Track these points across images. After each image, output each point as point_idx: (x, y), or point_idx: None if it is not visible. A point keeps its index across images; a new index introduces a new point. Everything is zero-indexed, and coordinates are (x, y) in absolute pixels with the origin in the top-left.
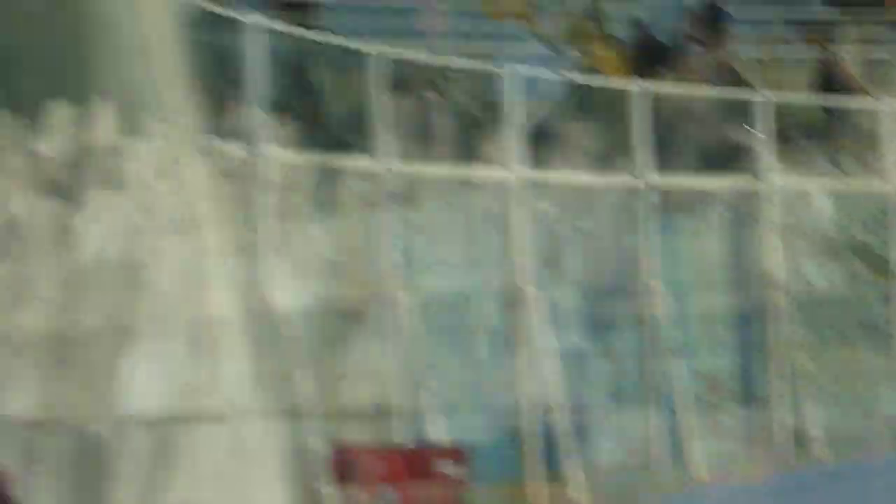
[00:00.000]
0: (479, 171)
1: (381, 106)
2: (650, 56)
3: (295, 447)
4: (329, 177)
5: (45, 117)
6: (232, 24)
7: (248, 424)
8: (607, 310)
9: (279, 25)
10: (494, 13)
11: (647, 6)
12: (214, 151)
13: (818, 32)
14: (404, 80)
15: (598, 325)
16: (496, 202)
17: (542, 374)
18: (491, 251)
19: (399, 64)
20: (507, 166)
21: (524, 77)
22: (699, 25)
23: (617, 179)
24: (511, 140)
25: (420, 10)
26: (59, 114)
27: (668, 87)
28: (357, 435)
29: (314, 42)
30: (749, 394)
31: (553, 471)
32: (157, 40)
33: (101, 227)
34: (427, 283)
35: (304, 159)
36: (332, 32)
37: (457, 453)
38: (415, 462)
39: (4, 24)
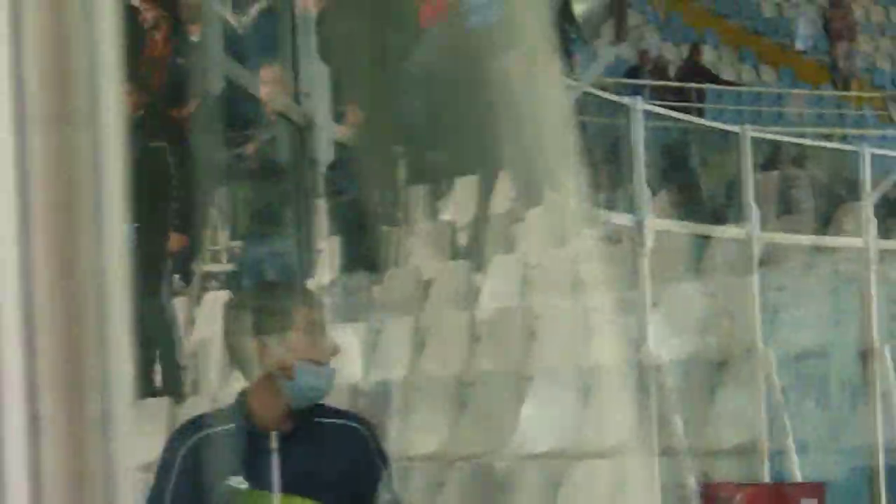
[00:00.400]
0: (835, 239)
1: (749, 180)
2: None
3: (669, 482)
4: (702, 243)
5: (453, 188)
6: (618, 107)
7: (628, 462)
8: None
9: (660, 109)
10: (852, 100)
11: None
12: (600, 220)
13: None
14: (770, 158)
15: None
16: (850, 267)
17: (892, 419)
18: (846, 310)
19: (766, 144)
20: (861, 235)
21: (876, 156)
22: None
23: None
24: (864, 212)
25: (787, 98)
26: (465, 185)
27: None
28: (724, 472)
29: (690, 124)
30: None
31: None
32: (552, 121)
33: (499, 284)
34: (788, 337)
35: (679, 227)
36: (709, 115)
37: (815, 490)
38: (777, 498)
39: (420, 109)
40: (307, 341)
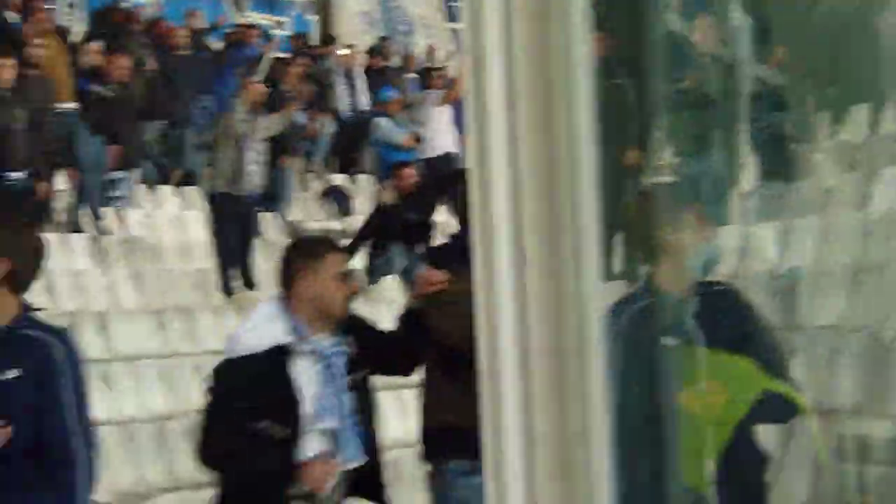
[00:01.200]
0: None
1: None
2: None
3: None
4: None
5: (850, 114)
6: None
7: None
8: None
9: None
10: None
11: None
12: None
13: None
14: None
15: None
16: None
17: None
18: None
19: None
20: None
21: None
22: None
23: None
24: None
25: None
26: (859, 111)
27: None
28: None
29: None
30: None
31: None
32: None
33: (886, 191)
34: None
35: None
36: None
37: None
38: None
39: (825, 50)
40: (701, 225)
